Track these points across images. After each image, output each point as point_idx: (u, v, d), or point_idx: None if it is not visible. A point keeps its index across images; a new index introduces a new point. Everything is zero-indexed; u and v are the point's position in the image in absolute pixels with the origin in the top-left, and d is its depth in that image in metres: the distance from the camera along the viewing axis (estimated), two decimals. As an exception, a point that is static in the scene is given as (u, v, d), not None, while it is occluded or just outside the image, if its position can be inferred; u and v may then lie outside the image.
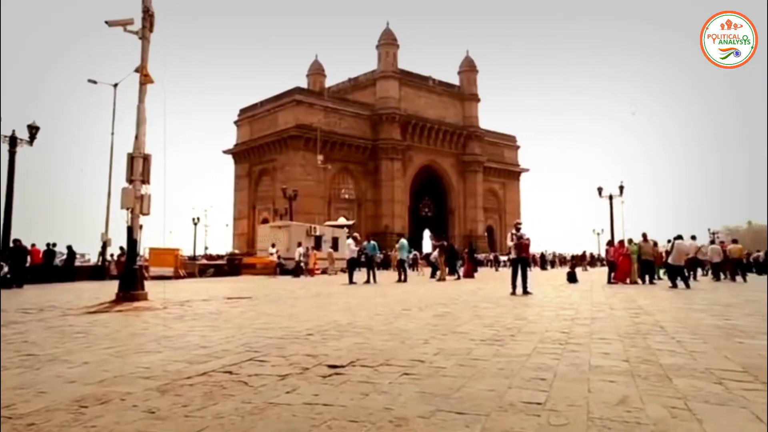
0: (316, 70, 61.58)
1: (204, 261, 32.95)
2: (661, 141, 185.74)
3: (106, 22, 9.42)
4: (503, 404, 2.65)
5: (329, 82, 60.70)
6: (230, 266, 26.80)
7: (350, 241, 17.35)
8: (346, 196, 52.34)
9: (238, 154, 54.91)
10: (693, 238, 17.79)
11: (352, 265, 16.73)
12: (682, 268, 14.49)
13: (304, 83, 58.22)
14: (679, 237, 14.79)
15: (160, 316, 7.17)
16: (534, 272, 23.60)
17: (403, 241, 17.82)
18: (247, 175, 53.71)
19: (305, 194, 43.51)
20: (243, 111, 55.81)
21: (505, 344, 4.55)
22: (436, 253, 20.93)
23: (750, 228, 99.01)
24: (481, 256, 31.05)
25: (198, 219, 48.10)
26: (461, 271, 20.18)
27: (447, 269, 18.95)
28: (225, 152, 56.73)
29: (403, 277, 17.24)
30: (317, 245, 26.81)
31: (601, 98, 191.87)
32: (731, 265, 18.53)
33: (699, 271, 20.44)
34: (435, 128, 55.37)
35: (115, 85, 21.43)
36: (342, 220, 41.65)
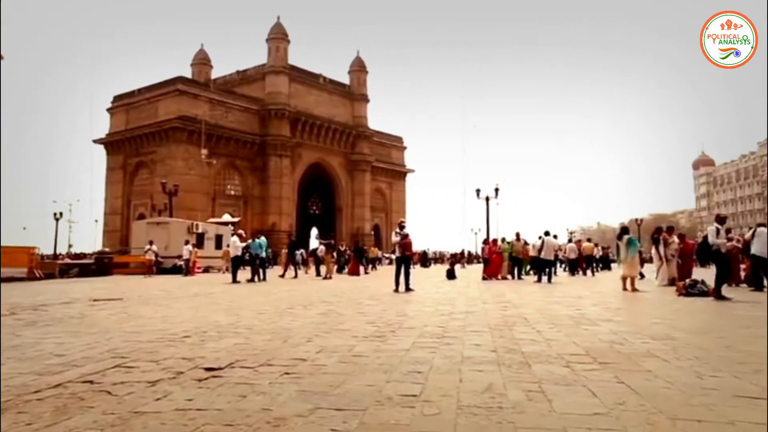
0: (202, 60, 58.33)
1: (66, 260, 29.73)
2: (534, 148, 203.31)
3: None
4: (381, 398, 2.74)
5: (216, 74, 57.88)
6: (99, 265, 24.41)
7: (235, 238, 16.73)
8: (232, 193, 50.30)
9: (112, 144, 50.24)
10: (554, 237, 19.68)
11: (236, 264, 16.14)
12: (552, 262, 16.02)
13: (187, 72, 54.92)
14: (547, 233, 16.27)
15: (6, 323, 6.34)
16: (416, 270, 24.56)
17: (263, 239, 17.62)
18: (122, 168, 49.37)
19: (187, 189, 41.08)
20: (118, 98, 51.15)
21: (386, 340, 4.69)
22: (322, 248, 20.89)
23: (599, 228, 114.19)
24: (380, 255, 31.24)
25: (61, 214, 43.29)
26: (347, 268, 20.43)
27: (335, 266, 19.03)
28: (96, 142, 51.60)
29: (260, 276, 16.64)
30: (199, 243, 25.47)
31: (486, 98, 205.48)
32: (584, 261, 20.85)
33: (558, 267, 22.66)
34: (325, 126, 55.18)
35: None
36: (227, 217, 40.00)
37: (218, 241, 27.41)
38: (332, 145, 56.73)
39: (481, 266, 21.75)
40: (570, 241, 26.25)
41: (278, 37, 52.23)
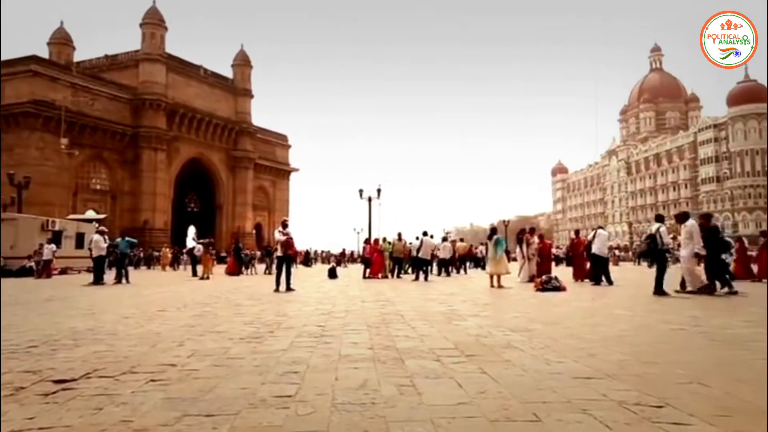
0: (62, 40, 52.30)
1: None
2: (415, 149, 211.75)
3: None
4: (255, 401, 2.68)
5: (79, 56, 52.34)
6: None
7: (98, 236, 15.26)
8: (98, 187, 45.80)
9: (-59, 126, 43.11)
10: (431, 236, 20.67)
11: (99, 264, 14.75)
12: (429, 261, 16.81)
13: (43, 52, 48.94)
14: (426, 233, 17.04)
15: None
16: (299, 269, 24.35)
17: (128, 239, 16.40)
18: (-45, 155, 42.60)
19: (42, 182, 36.62)
20: (-49, 74, 44.05)
21: (264, 341, 4.60)
22: (200, 247, 19.90)
23: (472, 228, 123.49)
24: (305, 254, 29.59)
25: None
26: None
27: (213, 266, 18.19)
28: None
29: (127, 277, 15.39)
30: (56, 241, 22.84)
31: (375, 99, 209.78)
32: (458, 260, 22.16)
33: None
34: (205, 120, 52.47)
35: None
36: (91, 214, 36.42)
37: (79, 239, 24.84)
38: (213, 140, 54.17)
39: (362, 265, 22.10)
40: (445, 240, 27.62)
41: (154, 22, 48.64)
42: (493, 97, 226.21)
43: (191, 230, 57.33)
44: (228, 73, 57.78)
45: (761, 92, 74.76)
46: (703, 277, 9.47)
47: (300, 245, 24.95)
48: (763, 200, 72.90)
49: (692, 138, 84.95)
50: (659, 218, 10.25)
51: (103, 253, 14.84)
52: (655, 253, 9.49)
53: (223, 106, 55.28)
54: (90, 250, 15.33)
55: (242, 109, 57.34)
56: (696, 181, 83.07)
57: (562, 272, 15.18)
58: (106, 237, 15.71)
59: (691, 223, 9.92)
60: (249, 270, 22.98)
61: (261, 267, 25.22)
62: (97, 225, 25.02)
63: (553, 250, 22.13)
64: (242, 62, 58.31)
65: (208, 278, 17.26)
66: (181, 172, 51.89)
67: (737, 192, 74.59)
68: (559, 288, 10.60)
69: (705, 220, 10.57)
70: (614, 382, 3.00)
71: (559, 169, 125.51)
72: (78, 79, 44.08)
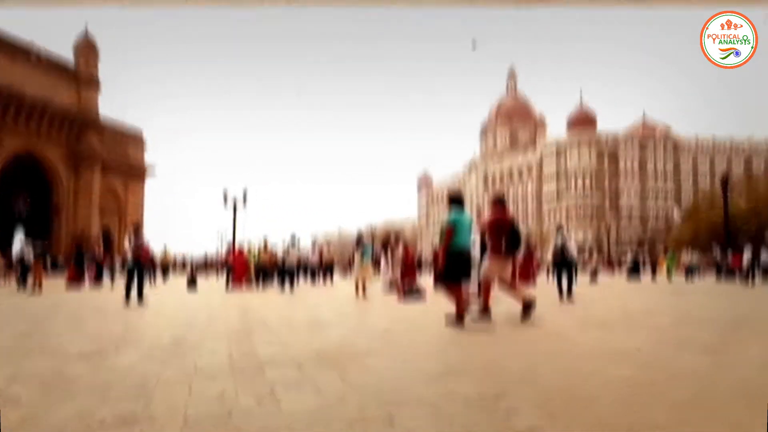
0: None
1: None
2: (285, 151, 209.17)
3: None
4: (92, 423, 2.43)
5: None
6: None
7: None
8: None
9: None
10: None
11: None
12: (297, 269, 16.79)
13: None
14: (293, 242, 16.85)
15: None
16: (156, 279, 22.45)
17: None
18: None
19: None
20: None
21: (108, 357, 4.19)
22: (29, 256, 17.46)
23: (340, 235, 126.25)
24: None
25: None
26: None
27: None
28: None
29: None
30: None
31: (241, 99, 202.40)
32: (324, 268, 22.37)
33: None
34: (38, 110, 46.05)
35: None
36: None
37: None
38: (50, 133, 47.83)
39: (226, 274, 21.14)
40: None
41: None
42: (365, 96, 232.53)
43: (19, 233, 50.07)
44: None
45: (592, 119, 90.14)
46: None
47: (157, 252, 22.99)
48: (590, 212, 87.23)
49: (539, 156, 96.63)
50: (561, 228, 11.52)
51: None
52: (562, 261, 10.44)
53: (64, 96, 49.17)
54: None
55: (88, 100, 51.50)
56: (541, 194, 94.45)
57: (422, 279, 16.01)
58: None
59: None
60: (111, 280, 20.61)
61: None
62: None
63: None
64: (86, 46, 52.23)
65: (39, 286, 15.23)
66: (7, 169, 45.04)
67: (571, 203, 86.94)
68: (420, 295, 11.15)
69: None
70: (462, 378, 3.26)
71: (425, 180, 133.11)
72: None
